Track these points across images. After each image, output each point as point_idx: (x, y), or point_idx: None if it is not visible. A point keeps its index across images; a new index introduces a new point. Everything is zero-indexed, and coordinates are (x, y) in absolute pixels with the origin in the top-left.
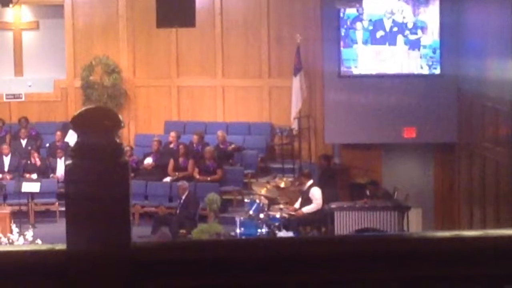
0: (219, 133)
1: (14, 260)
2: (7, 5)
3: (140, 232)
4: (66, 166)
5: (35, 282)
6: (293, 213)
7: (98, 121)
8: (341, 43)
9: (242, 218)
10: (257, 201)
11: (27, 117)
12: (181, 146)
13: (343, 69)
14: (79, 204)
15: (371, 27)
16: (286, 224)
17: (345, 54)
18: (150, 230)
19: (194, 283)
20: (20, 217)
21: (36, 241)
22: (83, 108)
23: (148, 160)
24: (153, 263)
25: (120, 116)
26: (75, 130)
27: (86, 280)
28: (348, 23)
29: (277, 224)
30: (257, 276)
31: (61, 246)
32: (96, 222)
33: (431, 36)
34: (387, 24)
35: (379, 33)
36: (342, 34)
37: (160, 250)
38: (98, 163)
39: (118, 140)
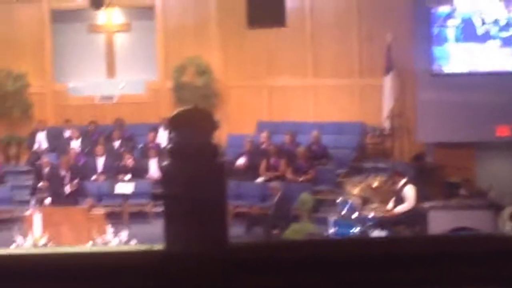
0: (314, 133)
1: (113, 260)
2: (99, 8)
3: (233, 232)
4: (163, 167)
5: (134, 281)
6: (386, 214)
7: (195, 122)
8: (433, 41)
9: (335, 218)
10: (350, 200)
11: (122, 119)
12: (272, 146)
13: (435, 67)
14: (176, 205)
15: (462, 25)
16: (379, 223)
17: (437, 52)
18: (243, 230)
19: (288, 282)
20: (114, 218)
21: (131, 242)
22: (180, 109)
23: (241, 160)
24: (248, 262)
25: (215, 117)
26: (172, 130)
27: (184, 279)
28: (440, 21)
29: (370, 223)
30: (350, 274)
31: (158, 246)
32: (193, 223)
33: None
34: (479, 21)
35: (471, 31)
36: (434, 32)
37: (255, 250)
38: (195, 163)
39: (214, 141)
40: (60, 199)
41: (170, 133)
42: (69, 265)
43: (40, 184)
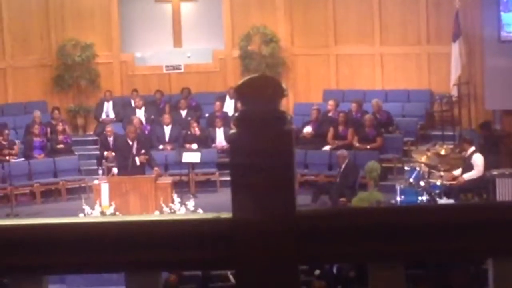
0: (374, 102)
1: (180, 229)
2: None
3: (300, 201)
4: (230, 135)
5: (201, 249)
6: (454, 182)
7: (262, 90)
8: (501, 7)
9: (402, 185)
10: (417, 168)
11: (189, 88)
12: (340, 115)
13: (503, 33)
14: (243, 173)
15: None
16: (447, 191)
17: (505, 18)
18: (310, 199)
19: (357, 249)
20: (181, 187)
21: (198, 211)
22: (247, 77)
23: (308, 129)
24: (316, 230)
25: (283, 85)
26: (239, 98)
27: (252, 248)
28: None
29: (437, 191)
30: (419, 244)
31: (226, 214)
32: (261, 191)
33: None
34: None
35: None
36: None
37: (323, 217)
38: (262, 131)
39: (281, 109)
40: (127, 169)
41: (236, 102)
42: (136, 233)
43: (106, 153)
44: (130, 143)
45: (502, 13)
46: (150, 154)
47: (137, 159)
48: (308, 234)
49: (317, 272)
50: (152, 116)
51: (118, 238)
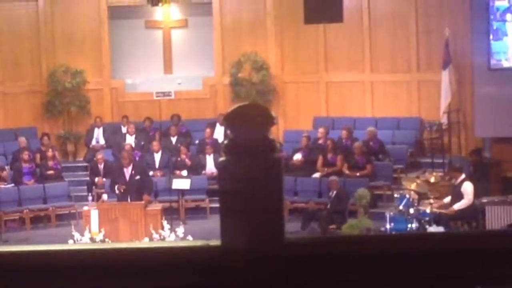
0: (369, 129)
1: (169, 256)
2: (157, 4)
3: (289, 228)
4: (219, 162)
5: (190, 277)
6: (444, 211)
7: (251, 118)
8: (491, 36)
9: (392, 213)
10: (407, 196)
11: (179, 115)
12: (329, 142)
13: (493, 62)
14: (232, 200)
15: None
16: (436, 219)
17: (495, 47)
18: (299, 226)
19: (346, 278)
20: (171, 214)
21: (187, 238)
22: (236, 105)
23: (297, 156)
24: (305, 258)
25: (272, 113)
26: (228, 126)
27: (240, 275)
28: (498, 15)
29: (427, 219)
30: (409, 271)
31: (215, 242)
32: (250, 218)
33: None
34: None
35: None
36: (492, 26)
37: (312, 245)
38: (252, 159)
39: (270, 137)
40: (120, 195)
41: (226, 129)
42: (125, 260)
43: (97, 179)
44: (124, 169)
45: (491, 42)
46: (147, 179)
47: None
48: (297, 261)
49: None
50: (142, 143)
51: (107, 265)
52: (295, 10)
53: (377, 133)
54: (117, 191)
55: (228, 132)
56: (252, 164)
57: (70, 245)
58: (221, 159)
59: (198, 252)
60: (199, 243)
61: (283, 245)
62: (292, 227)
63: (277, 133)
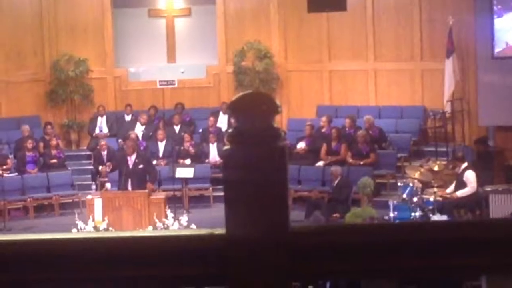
0: (366, 118)
1: (173, 245)
2: None
3: (293, 217)
4: (223, 151)
5: (194, 265)
6: (447, 196)
7: (256, 106)
8: (494, 25)
9: (395, 201)
10: (411, 184)
11: (182, 103)
12: (333, 130)
13: (496, 50)
14: (237, 189)
15: None
16: (440, 207)
17: (498, 35)
18: (303, 215)
19: (350, 266)
20: (174, 202)
21: (191, 226)
22: (241, 93)
23: (301, 145)
24: (310, 247)
25: (277, 101)
26: (232, 115)
27: (245, 264)
28: (501, 3)
29: (431, 207)
30: (412, 260)
31: (220, 230)
32: (254, 207)
33: None
34: None
35: None
36: (495, 14)
37: (317, 234)
38: (256, 147)
39: (275, 125)
40: (123, 183)
41: (230, 117)
42: (129, 249)
43: (101, 168)
44: (128, 157)
45: (495, 30)
46: (152, 169)
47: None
48: (302, 250)
49: None
50: (151, 133)
51: (111, 254)
52: None
53: (374, 121)
54: (123, 181)
55: (232, 120)
56: (257, 152)
57: (73, 234)
58: (226, 147)
59: (203, 241)
60: (203, 231)
61: (288, 233)
62: (296, 216)
63: (280, 121)
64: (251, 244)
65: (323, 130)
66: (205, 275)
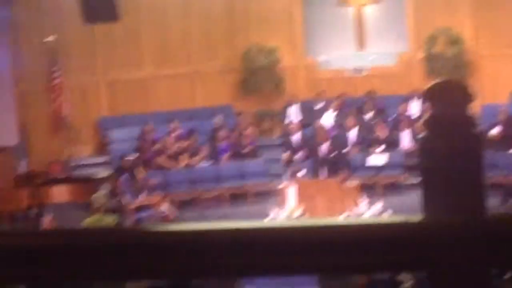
0: None
1: (371, 233)
2: None
3: (488, 203)
4: (420, 138)
5: (391, 252)
6: None
7: (451, 94)
8: None
9: None
10: None
11: (374, 91)
12: None
13: None
14: (434, 176)
15: None
16: None
17: None
18: (498, 201)
19: None
20: (367, 190)
21: (384, 213)
22: (435, 81)
23: (495, 130)
24: (508, 234)
25: (472, 89)
26: (428, 102)
27: (443, 250)
28: None
29: None
30: None
31: (416, 217)
32: (451, 194)
33: None
34: None
35: None
36: None
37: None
38: (452, 135)
39: (469, 112)
40: (316, 171)
41: (423, 104)
42: (325, 237)
43: (298, 155)
44: (320, 145)
45: None
46: (343, 157)
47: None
48: (500, 237)
49: (507, 275)
50: (341, 121)
51: (307, 241)
52: None
53: None
54: (318, 169)
55: (428, 107)
56: (453, 140)
57: (269, 222)
58: (422, 135)
59: (399, 228)
60: (399, 219)
61: (486, 220)
62: (491, 203)
63: (474, 107)
64: (448, 230)
65: None
66: (402, 262)
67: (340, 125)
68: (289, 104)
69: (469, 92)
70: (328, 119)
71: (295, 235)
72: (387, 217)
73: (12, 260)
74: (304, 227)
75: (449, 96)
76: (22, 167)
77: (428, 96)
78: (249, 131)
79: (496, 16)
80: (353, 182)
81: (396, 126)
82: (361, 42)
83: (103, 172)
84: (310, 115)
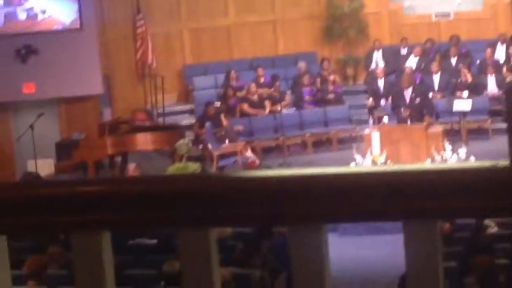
0: None
1: (457, 178)
2: None
3: None
4: (506, 83)
5: (478, 198)
6: None
7: None
8: None
9: None
10: None
11: (458, 35)
12: None
13: None
14: None
15: None
16: None
17: None
18: None
19: None
20: (452, 135)
21: (469, 159)
22: None
23: None
24: None
25: None
26: None
27: None
28: None
29: None
30: None
31: (504, 162)
32: None
33: None
34: None
35: None
36: None
37: None
38: None
39: None
40: (401, 117)
41: (508, 49)
42: (409, 182)
43: (382, 101)
44: (404, 92)
45: None
46: (428, 102)
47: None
48: None
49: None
50: (423, 65)
51: (392, 187)
52: None
53: None
54: (402, 115)
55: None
56: None
57: (354, 168)
58: (508, 79)
59: (487, 173)
60: (486, 164)
61: None
62: None
63: None
64: None
65: None
66: (488, 207)
67: (425, 70)
68: (373, 50)
69: None
70: (412, 65)
71: (381, 181)
72: (473, 162)
73: (98, 206)
74: (389, 172)
75: None
76: (107, 115)
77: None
78: (333, 77)
79: None
80: (437, 128)
81: (481, 71)
82: None
83: (187, 120)
84: (394, 61)
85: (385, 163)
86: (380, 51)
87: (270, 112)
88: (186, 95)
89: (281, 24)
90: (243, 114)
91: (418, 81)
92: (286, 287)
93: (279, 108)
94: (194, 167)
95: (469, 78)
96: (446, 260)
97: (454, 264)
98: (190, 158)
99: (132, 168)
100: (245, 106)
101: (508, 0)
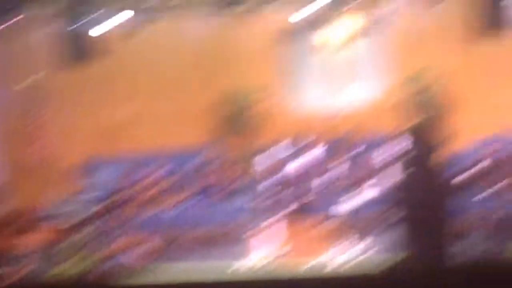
0: None
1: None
2: None
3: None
4: (393, 183)
5: None
6: None
7: (425, 136)
8: None
9: None
10: None
11: (348, 133)
12: None
13: None
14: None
15: None
16: None
17: None
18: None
19: None
20: (340, 233)
21: (361, 254)
22: (411, 124)
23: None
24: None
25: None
26: (404, 144)
27: None
28: None
29: None
30: None
31: (375, 268)
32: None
33: None
34: None
35: None
36: None
37: None
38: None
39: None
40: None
41: (400, 146)
42: None
43: (268, 201)
44: (290, 191)
45: None
46: (314, 202)
47: None
48: None
49: None
50: (310, 164)
51: None
52: None
53: None
54: None
55: (404, 150)
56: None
57: (232, 274)
58: (396, 178)
59: (358, 281)
60: (359, 270)
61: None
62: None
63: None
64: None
65: None
66: None
67: (312, 169)
68: (264, 148)
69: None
70: (300, 164)
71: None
72: (350, 268)
73: None
74: (271, 281)
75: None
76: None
77: (405, 138)
78: (220, 175)
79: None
80: (326, 225)
81: (369, 169)
82: (338, 84)
83: (84, 213)
84: (282, 159)
85: (273, 262)
86: (270, 150)
87: (164, 206)
88: (82, 188)
89: (175, 119)
90: (141, 208)
91: (305, 181)
92: None
93: (172, 203)
94: (86, 263)
95: (357, 176)
96: None
97: None
98: (86, 255)
99: None
100: (141, 200)
101: (395, 99)
